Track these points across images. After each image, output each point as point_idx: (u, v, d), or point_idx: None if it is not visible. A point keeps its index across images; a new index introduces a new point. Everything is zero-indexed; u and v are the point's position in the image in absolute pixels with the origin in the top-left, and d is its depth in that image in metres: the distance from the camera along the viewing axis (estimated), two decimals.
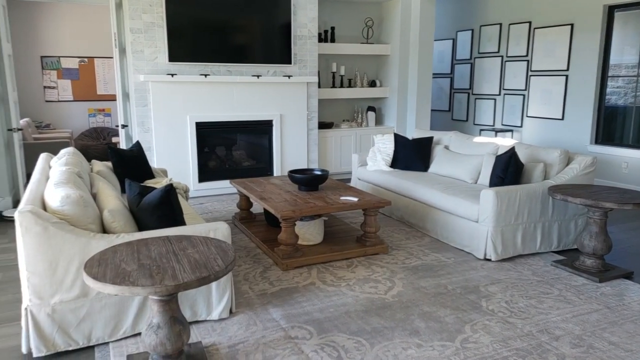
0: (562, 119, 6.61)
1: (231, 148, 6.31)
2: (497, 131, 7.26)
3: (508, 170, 3.96)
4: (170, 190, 2.79)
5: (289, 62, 6.15)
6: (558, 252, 4.10)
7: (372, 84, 7.38)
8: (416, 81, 7.07)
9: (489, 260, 3.88)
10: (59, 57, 8.62)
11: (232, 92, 5.94)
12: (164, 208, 2.78)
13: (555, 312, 3.03)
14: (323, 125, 6.89)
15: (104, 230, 2.67)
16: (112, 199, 2.82)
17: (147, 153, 5.67)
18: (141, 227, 2.80)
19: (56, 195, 2.47)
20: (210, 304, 2.86)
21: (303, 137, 6.46)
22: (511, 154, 3.97)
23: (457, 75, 8.31)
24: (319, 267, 3.72)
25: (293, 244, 3.72)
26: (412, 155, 5.24)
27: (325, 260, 3.81)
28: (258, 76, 5.95)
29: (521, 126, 7.22)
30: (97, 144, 8.10)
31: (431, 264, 3.80)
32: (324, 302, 3.13)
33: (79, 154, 3.93)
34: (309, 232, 3.97)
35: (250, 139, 6.36)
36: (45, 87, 8.60)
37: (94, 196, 3.09)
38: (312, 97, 6.47)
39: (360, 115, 7.30)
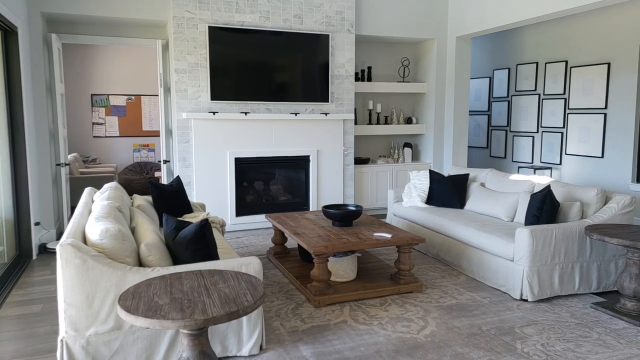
0: (602, 156, 6.44)
1: (269, 183, 6.46)
2: (535, 168, 7.13)
3: (543, 208, 3.90)
4: (205, 225, 2.90)
5: (327, 100, 6.32)
6: (598, 294, 3.95)
7: (409, 120, 7.45)
8: (452, 118, 7.09)
9: (526, 300, 3.78)
10: (108, 95, 9.14)
11: (271, 128, 6.13)
12: (198, 242, 2.88)
13: (594, 356, 2.91)
14: (359, 161, 6.97)
15: (141, 263, 2.79)
16: (150, 232, 2.95)
17: (187, 188, 5.88)
18: (176, 261, 2.91)
19: (96, 229, 2.62)
20: (240, 339, 2.91)
21: (339, 173, 6.55)
22: (546, 192, 3.91)
23: (495, 113, 8.27)
24: (352, 305, 3.72)
25: (325, 281, 3.75)
26: (448, 192, 5.22)
27: (358, 297, 3.81)
28: (296, 114, 6.13)
29: (560, 164, 7.07)
30: (140, 178, 8.45)
31: (466, 304, 3.73)
32: (355, 341, 3.12)
33: (121, 188, 4.14)
34: (342, 269, 4.00)
35: (288, 174, 6.50)
36: (93, 123, 9.11)
37: (133, 230, 3.24)
38: (348, 134, 6.59)
39: (396, 151, 7.35)
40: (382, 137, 7.54)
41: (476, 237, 4.24)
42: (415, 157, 7.68)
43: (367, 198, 6.99)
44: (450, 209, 5.17)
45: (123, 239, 2.69)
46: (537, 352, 2.96)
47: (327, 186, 6.52)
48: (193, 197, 5.90)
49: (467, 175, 5.32)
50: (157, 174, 8.56)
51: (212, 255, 2.97)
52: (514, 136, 7.90)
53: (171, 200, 4.46)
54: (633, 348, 3.02)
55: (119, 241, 2.66)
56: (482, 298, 3.85)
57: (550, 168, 7.18)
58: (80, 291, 2.55)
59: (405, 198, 5.46)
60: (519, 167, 7.50)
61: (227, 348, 2.88)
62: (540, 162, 7.41)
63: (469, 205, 5.09)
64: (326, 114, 6.30)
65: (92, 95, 9.09)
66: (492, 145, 8.36)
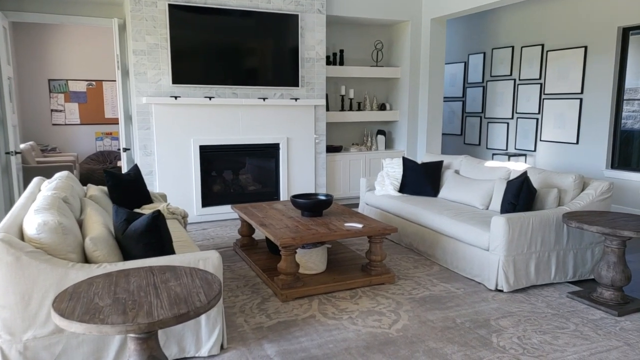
0: (577, 143, 6.38)
1: (237, 172, 6.19)
2: (510, 155, 7.05)
3: (520, 196, 3.76)
4: (157, 217, 2.65)
5: (296, 85, 6.07)
6: (574, 283, 3.85)
7: (382, 107, 7.26)
8: (427, 104, 6.93)
9: (501, 291, 3.65)
10: (67, 80, 8.67)
11: (238, 115, 5.85)
12: (150, 235, 2.63)
13: (572, 349, 2.79)
14: (332, 149, 6.76)
15: (87, 259, 2.53)
16: (97, 225, 2.68)
17: (149, 177, 5.57)
18: (127, 257, 2.65)
19: (33, 222, 2.34)
20: (199, 339, 2.68)
21: (310, 161, 6.33)
22: (523, 179, 3.77)
23: (470, 99, 8.16)
24: (321, 298, 3.52)
25: (293, 274, 3.54)
26: (422, 179, 5.06)
27: (327, 290, 3.61)
28: (264, 99, 5.86)
29: (535, 150, 7.00)
30: (102, 168, 8.06)
31: (439, 295, 3.57)
32: (323, 337, 2.93)
33: (73, 177, 3.83)
34: (311, 261, 3.79)
35: (257, 163, 6.24)
36: (52, 110, 8.64)
37: (81, 223, 2.96)
38: (320, 120, 6.36)
39: (369, 139, 7.16)
40: (355, 124, 7.34)
41: (450, 225, 4.09)
42: (389, 144, 7.50)
43: (340, 187, 6.79)
44: (423, 197, 5.01)
45: (64, 232, 2.42)
46: (514, 346, 2.82)
47: (298, 175, 6.29)
48: (155, 187, 5.60)
49: (441, 163, 5.16)
50: (120, 163, 8.18)
51: (167, 249, 2.72)
52: (488, 123, 7.80)
53: (128, 190, 4.17)
54: (612, 339, 2.91)
55: (59, 235, 2.39)
56: (456, 289, 3.71)
57: (525, 155, 7.11)
58: (15, 291, 2.28)
59: (377, 186, 5.28)
60: (493, 154, 7.41)
61: (184, 349, 2.65)
62: (515, 149, 7.33)
63: (443, 193, 4.94)
64: (296, 99, 6.05)
65: (49, 80, 8.61)
66: (467, 132, 8.25)
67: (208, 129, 5.73)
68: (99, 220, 2.79)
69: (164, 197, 4.64)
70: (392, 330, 3.03)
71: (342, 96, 6.98)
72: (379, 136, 7.18)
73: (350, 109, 7.04)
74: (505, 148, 7.50)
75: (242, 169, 6.20)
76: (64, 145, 8.82)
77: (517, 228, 3.57)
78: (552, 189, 3.89)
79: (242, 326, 3.08)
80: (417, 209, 4.55)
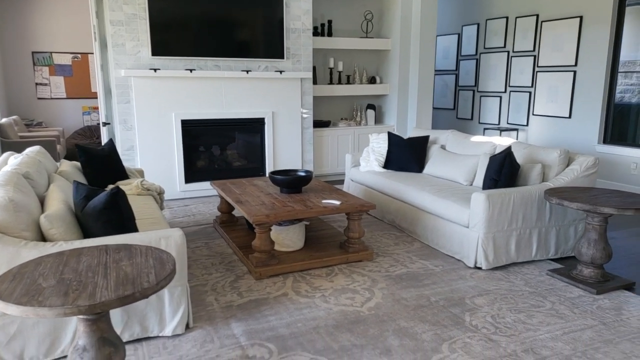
0: (570, 117, 6.24)
1: (221, 148, 6.07)
2: (502, 130, 6.91)
3: (502, 171, 3.66)
4: (117, 193, 2.56)
5: (282, 57, 5.90)
6: (556, 260, 3.79)
7: (372, 80, 7.09)
8: (417, 78, 6.76)
9: (480, 268, 3.59)
10: (51, 52, 8.48)
11: (220, 88, 5.70)
12: (109, 213, 2.54)
13: (545, 328, 2.73)
14: (319, 124, 6.63)
15: (45, 238, 2.45)
16: (57, 202, 2.60)
17: (130, 152, 5.46)
18: (87, 235, 2.57)
19: None
20: (163, 318, 2.62)
21: (297, 136, 6.21)
22: (505, 154, 3.66)
23: (463, 72, 7.97)
24: (296, 276, 3.46)
25: (268, 251, 3.47)
26: (407, 155, 4.95)
27: (303, 268, 3.55)
28: (247, 71, 5.71)
29: (527, 125, 6.86)
30: (89, 143, 7.95)
31: (417, 273, 3.51)
32: (293, 316, 2.87)
33: (44, 153, 3.73)
34: (288, 238, 3.72)
35: (242, 138, 6.12)
36: (37, 84, 8.47)
37: (44, 199, 2.87)
38: (307, 94, 6.21)
39: (359, 114, 7.02)
40: (344, 98, 7.19)
41: (431, 202, 4.00)
42: (379, 119, 7.36)
43: (328, 163, 6.69)
44: (408, 173, 4.91)
45: (16, 210, 2.33)
46: (486, 325, 2.76)
47: (285, 151, 6.18)
48: (137, 162, 5.50)
49: (427, 138, 5.05)
50: None
51: (128, 227, 2.63)
52: (481, 97, 7.64)
53: (102, 165, 4.07)
54: (587, 318, 2.85)
55: (10, 213, 2.30)
56: (434, 266, 3.64)
57: (517, 129, 6.97)
58: None
59: (362, 162, 5.17)
60: (485, 129, 7.28)
61: (147, 328, 2.59)
62: (507, 123, 7.19)
63: (428, 168, 4.83)
64: (281, 71, 5.89)
65: (33, 52, 8.41)
66: (459, 106, 8.09)
67: (190, 102, 5.59)
68: (59, 197, 2.70)
69: (140, 173, 4.55)
70: (364, 308, 2.97)
71: (331, 69, 6.81)
72: (368, 111, 7.04)
73: (339, 83, 6.87)
74: (497, 122, 7.36)
75: (227, 145, 6.08)
76: (50, 120, 8.68)
77: (498, 205, 3.48)
78: (536, 165, 3.79)
79: (212, 304, 3.02)
80: (399, 185, 4.46)
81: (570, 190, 3.46)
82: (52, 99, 8.68)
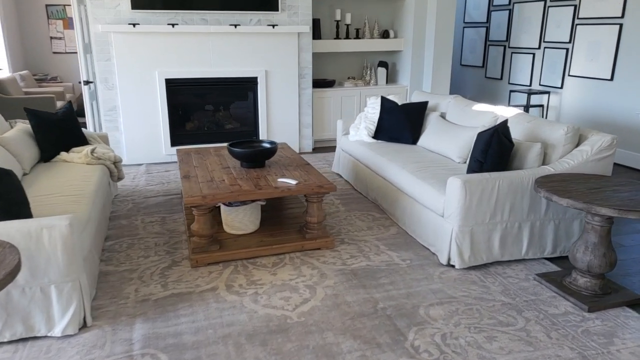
0: (612, 79, 5.32)
1: (211, 109, 5.66)
2: (532, 93, 6.06)
3: (488, 152, 3.03)
4: None
5: (276, 9, 5.31)
6: (554, 260, 3.17)
7: (385, 34, 6.36)
8: (434, 31, 5.98)
9: (453, 267, 3.05)
10: (64, 5, 8.23)
11: (208, 44, 5.22)
12: None
13: (504, 357, 2.21)
14: (322, 84, 6.05)
15: None
16: None
17: (111, 113, 5.16)
18: None
19: None
20: (50, 317, 2.31)
21: (294, 98, 5.68)
22: (493, 131, 3.01)
23: (494, 25, 7.03)
24: (238, 265, 3.07)
25: (208, 236, 3.08)
26: (400, 124, 4.34)
27: (249, 255, 3.15)
28: (236, 25, 5.18)
29: (561, 87, 5.97)
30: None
31: (377, 268, 3.02)
32: (209, 319, 2.49)
33: None
34: (238, 220, 3.31)
35: (234, 99, 5.67)
36: (51, 37, 8.30)
37: None
38: (305, 51, 5.62)
39: (369, 72, 6.36)
40: (352, 54, 6.51)
41: (408, 183, 3.45)
42: (392, 78, 6.66)
43: (330, 127, 6.14)
44: (399, 144, 4.32)
45: None
46: (430, 348, 2.27)
47: (280, 113, 5.68)
48: (119, 124, 5.20)
49: (425, 104, 4.39)
50: None
51: (14, 212, 2.30)
52: (512, 53, 6.73)
53: (55, 130, 3.76)
54: (564, 346, 2.29)
55: None
56: (401, 260, 3.13)
57: (549, 92, 6.10)
58: None
59: (352, 131, 4.61)
60: (511, 92, 6.42)
61: (32, 328, 2.30)
62: (539, 84, 6.30)
63: (423, 140, 4.22)
64: (274, 25, 5.32)
65: (46, 5, 8.21)
66: (489, 64, 7.21)
67: (174, 60, 5.16)
68: None
69: (104, 139, 4.23)
70: (295, 313, 2.54)
71: (337, 22, 6.13)
72: (379, 69, 6.35)
73: (347, 37, 6.20)
74: (528, 84, 6.47)
75: (218, 106, 5.66)
76: (66, 74, 8.56)
77: (477, 193, 2.89)
78: (535, 144, 3.12)
79: (128, 297, 2.69)
80: (382, 159, 3.90)
81: (570, 178, 2.81)
82: (66, 52, 8.53)
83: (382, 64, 6.38)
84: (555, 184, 2.70)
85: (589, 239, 2.65)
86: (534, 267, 3.05)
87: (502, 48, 6.90)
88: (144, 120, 5.23)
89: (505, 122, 3.17)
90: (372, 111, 4.62)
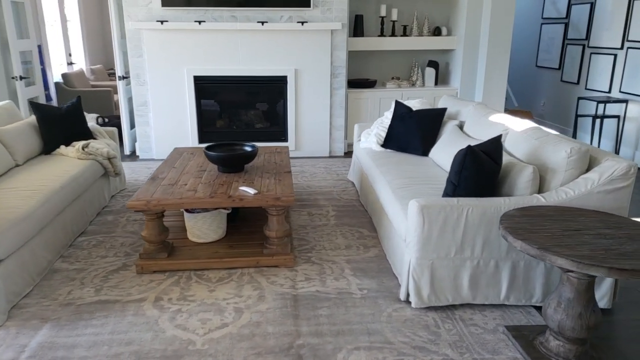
0: None
1: (240, 107, 5.58)
2: (611, 101, 5.13)
3: (462, 173, 2.52)
4: None
5: (307, 5, 5.06)
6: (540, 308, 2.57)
7: (437, 31, 5.80)
8: (488, 27, 5.31)
9: (410, 304, 2.60)
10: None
11: (236, 42, 5.14)
12: None
13: None
14: (361, 84, 5.68)
15: None
16: None
17: (142, 108, 5.31)
18: None
19: None
20: None
21: (325, 98, 5.40)
22: (467, 149, 2.50)
23: (574, 20, 6.10)
24: (184, 276, 2.91)
25: (157, 242, 2.96)
26: (411, 132, 3.88)
27: (199, 267, 2.97)
28: (263, 22, 5.02)
29: None
30: None
31: (326, 296, 2.68)
32: (114, 333, 2.36)
33: (7, 106, 3.74)
34: (197, 227, 3.15)
35: (264, 98, 5.54)
36: None
37: None
38: (339, 49, 5.30)
39: (416, 73, 5.85)
40: (399, 53, 6.03)
41: (388, 200, 3.03)
42: (443, 80, 6.07)
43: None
44: (407, 155, 3.86)
45: None
46: None
47: (310, 114, 5.44)
48: (149, 119, 5.32)
49: (442, 111, 3.88)
50: None
51: None
52: (591, 54, 5.78)
53: (59, 124, 3.90)
54: None
55: None
56: (359, 289, 2.75)
57: (626, 102, 5.12)
58: None
59: (363, 137, 4.23)
60: (580, 98, 5.50)
61: None
62: (620, 91, 5.33)
63: (433, 152, 3.72)
64: (303, 22, 5.07)
65: None
66: (565, 65, 6.28)
67: (202, 57, 5.16)
68: None
69: (111, 135, 4.32)
70: (203, 338, 2.32)
71: (382, 18, 5.71)
72: (427, 69, 5.82)
73: (393, 35, 5.75)
74: (607, 90, 5.51)
75: (248, 104, 5.56)
76: None
77: (439, 221, 2.42)
78: (526, 167, 2.55)
79: (56, 299, 2.66)
80: (377, 170, 3.50)
81: (555, 213, 2.24)
82: None
83: (432, 64, 5.84)
84: (526, 220, 2.16)
85: (563, 292, 2.08)
86: (513, 316, 2.50)
87: (580, 48, 5.96)
88: (172, 116, 5.30)
89: (497, 138, 2.64)
90: (389, 116, 4.20)
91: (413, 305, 2.54)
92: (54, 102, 6.51)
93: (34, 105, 3.86)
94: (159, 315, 2.50)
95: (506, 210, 2.38)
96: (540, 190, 2.61)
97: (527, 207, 2.32)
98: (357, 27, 5.67)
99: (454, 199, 2.45)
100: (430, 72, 5.80)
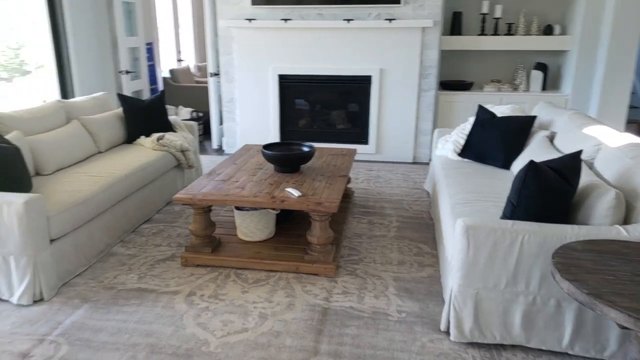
0: None
1: (323, 107, 5.47)
2: None
3: (521, 193, 2.14)
4: None
5: (397, 1, 4.81)
6: None
7: (548, 30, 5.18)
8: (610, 25, 4.60)
9: (449, 335, 2.27)
10: None
11: (321, 40, 5.05)
12: None
13: None
14: (458, 86, 5.27)
15: None
16: None
17: (229, 104, 5.45)
18: None
19: None
20: (11, 285, 2.53)
21: (412, 100, 5.09)
22: (529, 164, 2.11)
23: None
24: (223, 273, 2.87)
25: (203, 236, 2.96)
26: (492, 141, 3.46)
27: (239, 265, 2.92)
28: (348, 20, 4.87)
29: None
30: None
31: (358, 314, 2.46)
32: (139, 323, 2.38)
33: (100, 98, 4.09)
34: (245, 225, 3.10)
35: (346, 98, 5.37)
36: None
37: None
38: (430, 48, 4.96)
39: (521, 76, 5.28)
40: (502, 54, 5.48)
41: (444, 215, 2.72)
42: (553, 84, 5.40)
43: None
44: (484, 166, 3.45)
45: None
46: None
47: (394, 117, 5.16)
48: (235, 115, 5.45)
49: (530, 119, 3.40)
50: None
51: (8, 185, 2.56)
52: None
53: (141, 116, 4.13)
54: None
55: None
56: (397, 312, 2.48)
57: None
58: None
59: (440, 143, 3.88)
60: None
61: None
62: None
63: (516, 165, 3.28)
64: (390, 19, 4.81)
65: None
66: None
67: (287, 56, 5.15)
68: None
69: (190, 128, 4.46)
70: (218, 341, 2.24)
71: (484, 15, 5.23)
72: (534, 72, 5.21)
73: (495, 33, 5.25)
74: None
75: (330, 104, 5.44)
76: None
77: (487, 246, 2.08)
78: (608, 191, 2.08)
79: (102, 282, 2.77)
80: (444, 182, 3.17)
81: (632, 250, 1.79)
82: None
83: (540, 66, 5.22)
84: (590, 256, 1.75)
85: (629, 353, 1.65)
86: None
87: None
88: (257, 114, 5.38)
89: (575, 153, 2.21)
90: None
91: (452, 338, 2.22)
92: None
93: (120, 97, 4.11)
94: (185, 311, 2.48)
95: (571, 241, 1.96)
96: (626, 221, 2.12)
97: (599, 241, 1.89)
98: (454, 25, 5.27)
99: (509, 222, 2.08)
100: (537, 75, 5.20)
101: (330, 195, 2.83)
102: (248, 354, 2.15)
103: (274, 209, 3.11)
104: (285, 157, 3.23)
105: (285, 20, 4.97)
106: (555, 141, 3.21)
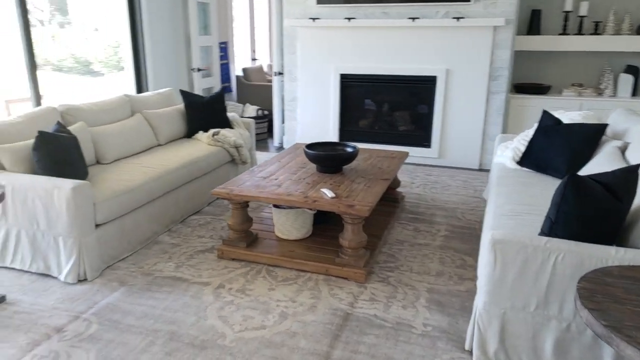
0: None
1: (384, 108, 5.33)
2: None
3: (560, 208, 1.92)
4: (39, 137, 2.72)
5: None
6: None
7: None
8: None
9: (471, 354, 2.10)
10: None
11: (384, 39, 4.94)
12: (36, 154, 2.75)
13: None
14: (534, 90, 4.91)
15: None
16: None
17: (292, 103, 5.50)
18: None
19: None
20: (60, 263, 2.72)
21: (480, 103, 4.82)
22: (569, 177, 1.88)
23: None
24: (254, 269, 2.89)
25: (240, 231, 3.00)
26: (555, 150, 3.17)
27: (271, 262, 2.92)
28: (414, 19, 4.71)
29: None
30: None
31: (381, 323, 2.36)
32: (166, 310, 2.46)
33: (164, 94, 4.32)
34: (281, 222, 3.10)
35: (411, 99, 5.20)
36: None
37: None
38: (502, 48, 4.66)
39: (608, 80, 4.81)
40: (586, 55, 5.01)
41: (486, 227, 2.53)
42: None
43: None
44: (545, 177, 3.16)
45: None
46: None
47: (459, 120, 4.92)
48: (296, 114, 5.49)
49: (601, 127, 3.06)
50: None
51: (55, 170, 2.77)
52: None
53: (201, 112, 4.28)
54: None
55: None
56: (423, 325, 2.34)
57: None
58: None
59: (499, 150, 3.62)
60: None
61: (49, 267, 2.76)
62: None
63: None
64: (458, 18, 4.58)
65: None
66: None
67: (350, 55, 5.09)
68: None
69: (247, 125, 4.54)
70: (235, 335, 2.25)
71: (567, 13, 4.82)
72: (622, 76, 4.72)
73: (579, 33, 4.82)
74: None
75: (393, 105, 5.29)
76: None
77: (517, 262, 1.90)
78: None
79: (143, 267, 2.90)
80: (494, 191, 2.96)
81: None
82: None
83: (632, 69, 4.72)
84: (625, 283, 1.53)
85: None
86: None
87: None
88: (317, 113, 5.37)
89: (632, 167, 1.96)
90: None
91: (474, 359, 2.06)
92: (233, 94, 7.22)
93: (183, 93, 4.30)
94: (211, 302, 2.53)
95: (611, 264, 1.73)
96: None
97: (625, 267, 1.65)
98: (532, 24, 4.91)
99: (543, 239, 1.89)
100: (626, 79, 4.70)
101: (365, 199, 2.74)
102: (260, 351, 2.14)
103: (310, 209, 3.08)
104: (326, 157, 3.19)
105: (349, 19, 4.92)
106: (627, 153, 2.87)
